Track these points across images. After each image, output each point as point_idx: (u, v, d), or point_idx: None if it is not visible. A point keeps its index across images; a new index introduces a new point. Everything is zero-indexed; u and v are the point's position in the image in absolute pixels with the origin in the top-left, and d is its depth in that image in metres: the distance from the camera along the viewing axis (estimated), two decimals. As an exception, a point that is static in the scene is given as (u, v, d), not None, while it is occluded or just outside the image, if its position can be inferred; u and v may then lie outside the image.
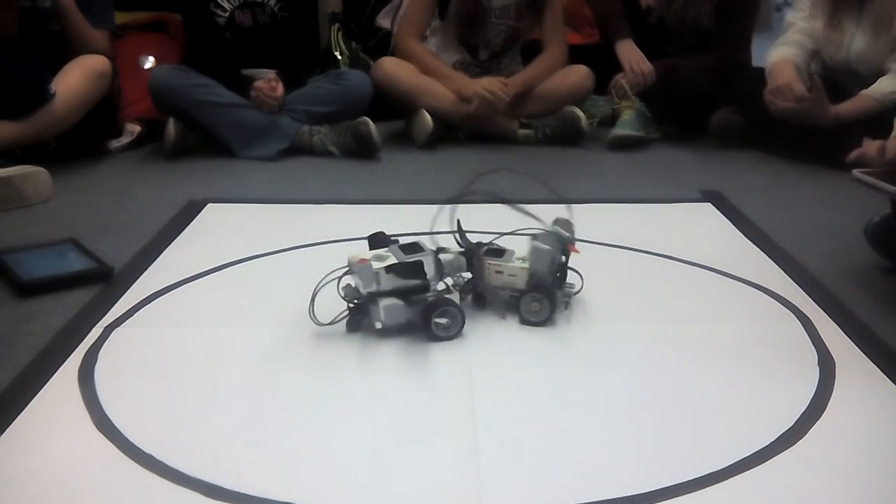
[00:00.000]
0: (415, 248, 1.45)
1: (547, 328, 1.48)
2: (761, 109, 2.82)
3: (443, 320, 1.40)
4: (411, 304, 1.41)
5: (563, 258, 1.53)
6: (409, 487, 1.03)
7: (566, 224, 1.54)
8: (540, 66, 3.03)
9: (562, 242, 1.50)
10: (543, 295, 1.48)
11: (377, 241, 1.50)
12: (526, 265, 1.49)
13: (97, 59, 2.62)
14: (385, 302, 1.38)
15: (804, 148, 2.71)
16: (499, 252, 1.53)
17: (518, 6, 3.04)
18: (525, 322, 1.48)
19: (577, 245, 1.52)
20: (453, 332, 1.41)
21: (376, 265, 1.39)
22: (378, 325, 1.39)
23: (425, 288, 1.41)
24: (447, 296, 1.46)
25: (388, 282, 1.39)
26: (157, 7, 3.47)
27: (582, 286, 1.58)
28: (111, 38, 2.83)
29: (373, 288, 1.39)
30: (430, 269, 1.41)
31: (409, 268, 1.39)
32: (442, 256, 1.45)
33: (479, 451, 1.10)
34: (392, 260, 1.41)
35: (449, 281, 1.49)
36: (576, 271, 1.57)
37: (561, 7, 3.09)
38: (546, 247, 1.47)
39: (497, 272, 1.51)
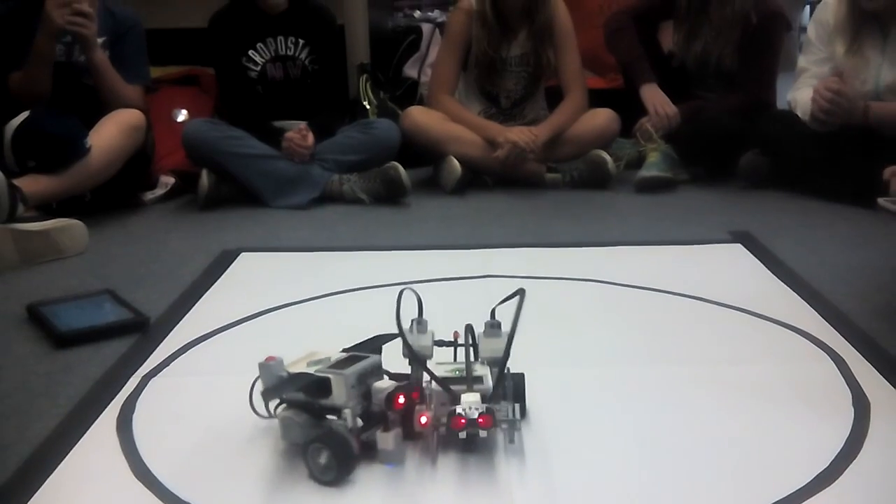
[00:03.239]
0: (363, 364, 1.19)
1: (576, 369, 1.48)
2: (787, 151, 2.82)
3: (320, 458, 1.13)
4: (317, 425, 1.18)
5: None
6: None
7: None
8: (564, 113, 3.06)
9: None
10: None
11: (368, 345, 1.28)
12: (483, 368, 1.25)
13: (132, 114, 2.68)
14: (282, 413, 1.21)
15: (833, 187, 2.71)
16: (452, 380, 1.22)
17: (536, 53, 3.08)
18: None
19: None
20: (329, 477, 1.13)
21: (282, 370, 1.20)
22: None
23: (327, 410, 1.17)
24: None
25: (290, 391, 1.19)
26: (190, 62, 3.55)
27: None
28: (146, 91, 2.90)
29: (270, 392, 1.19)
30: (341, 391, 1.15)
31: (309, 383, 1.16)
32: (377, 384, 1.18)
33: (514, 493, 1.10)
34: (311, 368, 1.20)
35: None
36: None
37: (578, 52, 3.13)
38: (496, 323, 1.25)
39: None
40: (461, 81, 3.16)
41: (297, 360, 1.22)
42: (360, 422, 1.16)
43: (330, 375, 1.15)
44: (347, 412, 1.15)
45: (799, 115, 2.82)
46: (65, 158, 2.51)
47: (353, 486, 1.13)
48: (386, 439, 1.16)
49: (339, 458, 1.12)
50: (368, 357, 1.21)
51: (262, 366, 1.20)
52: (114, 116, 2.65)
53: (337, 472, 1.12)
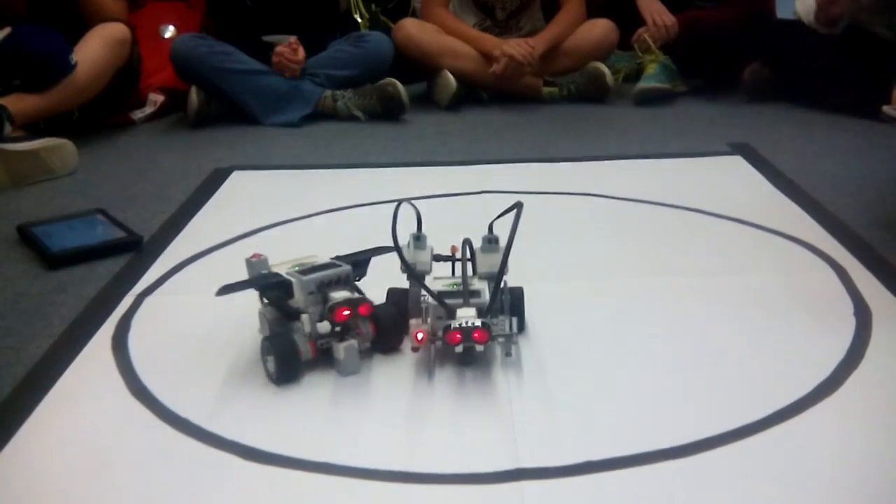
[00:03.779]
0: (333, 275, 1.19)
1: (576, 283, 1.47)
2: (790, 61, 2.78)
3: (268, 357, 1.17)
4: (282, 325, 1.21)
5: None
6: (445, 446, 1.03)
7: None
8: (561, 24, 2.99)
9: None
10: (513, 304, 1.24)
11: (362, 255, 1.27)
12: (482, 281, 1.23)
13: (116, 27, 2.61)
14: (261, 307, 1.23)
15: (836, 97, 2.67)
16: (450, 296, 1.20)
17: None
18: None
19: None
20: (274, 377, 1.16)
21: (265, 268, 1.23)
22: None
23: (294, 312, 1.19)
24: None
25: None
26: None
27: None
28: (131, 7, 2.82)
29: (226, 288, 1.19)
30: (300, 296, 1.17)
31: (270, 285, 1.19)
32: (334, 294, 1.17)
33: (513, 406, 1.10)
34: (291, 270, 1.21)
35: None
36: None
37: None
38: (494, 238, 1.23)
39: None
40: (456, -8, 3.09)
41: (285, 262, 1.23)
42: (326, 328, 1.18)
43: (291, 279, 1.17)
44: (305, 317, 1.17)
45: (803, 19, 2.77)
46: (50, 75, 2.46)
47: (355, 397, 1.13)
48: (338, 349, 1.17)
49: (280, 360, 1.15)
50: (339, 266, 1.21)
51: (247, 262, 1.23)
52: (98, 31, 2.59)
53: (277, 373, 1.15)
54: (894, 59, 2.63)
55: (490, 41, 2.91)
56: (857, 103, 2.61)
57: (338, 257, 1.25)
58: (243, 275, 1.22)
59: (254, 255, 1.23)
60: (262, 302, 1.23)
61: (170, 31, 3.21)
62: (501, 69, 2.85)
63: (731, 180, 2.04)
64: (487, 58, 2.89)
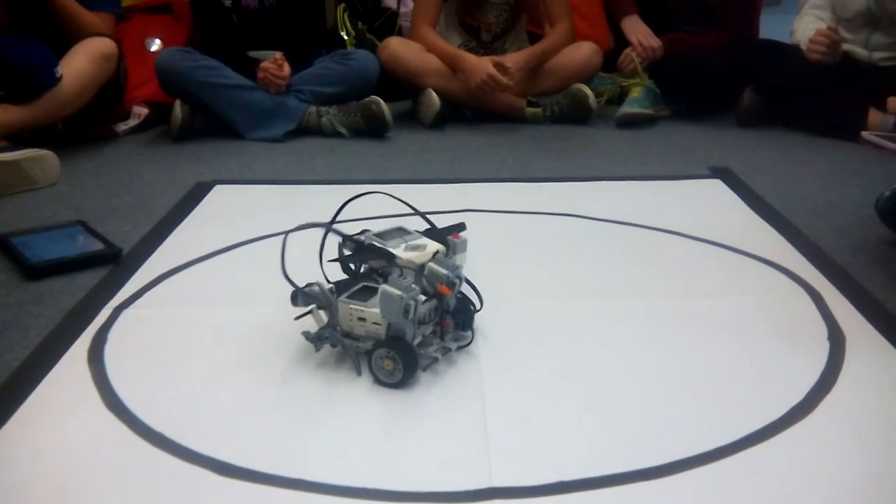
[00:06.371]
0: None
1: (555, 303, 1.47)
2: (773, 81, 2.81)
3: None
4: None
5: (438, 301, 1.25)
6: (419, 464, 1.03)
7: (443, 261, 1.24)
8: (546, 43, 3.01)
9: (433, 283, 1.22)
10: (397, 352, 1.18)
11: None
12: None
13: (103, 42, 2.61)
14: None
15: (819, 119, 2.73)
16: (370, 291, 1.26)
17: None
18: (378, 382, 1.21)
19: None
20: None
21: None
22: None
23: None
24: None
25: None
26: (163, -11, 3.45)
27: (472, 339, 1.31)
28: (117, 20, 2.82)
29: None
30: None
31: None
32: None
33: (487, 425, 1.10)
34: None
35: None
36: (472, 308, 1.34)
37: None
38: (396, 292, 1.16)
39: (360, 319, 1.24)
40: (442, 15, 3.10)
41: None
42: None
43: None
44: None
45: (799, 44, 2.81)
46: (35, 88, 2.44)
47: (329, 413, 1.13)
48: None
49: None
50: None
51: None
52: (85, 45, 2.58)
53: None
54: (870, 82, 2.67)
55: (469, 60, 2.90)
56: (836, 126, 2.65)
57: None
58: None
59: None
60: None
61: (156, 45, 3.21)
62: (477, 84, 2.84)
63: (709, 204, 2.06)
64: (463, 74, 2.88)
